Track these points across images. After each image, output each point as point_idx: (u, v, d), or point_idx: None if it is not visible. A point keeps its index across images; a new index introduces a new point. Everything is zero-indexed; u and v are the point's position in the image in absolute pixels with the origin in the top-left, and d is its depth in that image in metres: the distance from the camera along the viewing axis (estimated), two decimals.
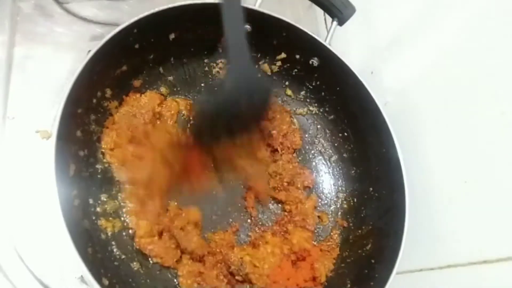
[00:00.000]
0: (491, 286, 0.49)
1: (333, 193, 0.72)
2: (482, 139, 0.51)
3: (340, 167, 0.73)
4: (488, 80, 0.50)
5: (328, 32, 0.66)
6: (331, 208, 0.71)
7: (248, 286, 0.60)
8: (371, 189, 0.67)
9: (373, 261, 0.60)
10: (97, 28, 0.73)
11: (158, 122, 0.66)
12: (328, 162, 0.74)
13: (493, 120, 0.49)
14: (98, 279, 0.46)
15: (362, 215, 0.67)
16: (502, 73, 0.48)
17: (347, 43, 0.78)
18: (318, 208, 0.70)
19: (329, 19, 0.66)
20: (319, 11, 0.67)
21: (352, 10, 0.66)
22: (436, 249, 0.58)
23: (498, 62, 0.48)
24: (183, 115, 0.70)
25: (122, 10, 0.76)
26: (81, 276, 0.55)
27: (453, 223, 0.56)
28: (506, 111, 0.47)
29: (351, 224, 0.68)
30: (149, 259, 0.59)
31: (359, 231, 0.66)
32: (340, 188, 0.72)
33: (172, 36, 0.64)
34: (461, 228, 0.54)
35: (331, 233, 0.68)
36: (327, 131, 0.75)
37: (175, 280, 0.59)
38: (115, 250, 0.57)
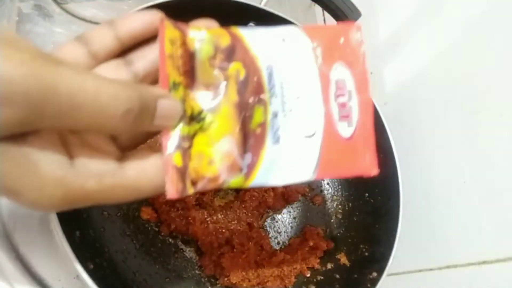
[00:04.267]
0: (490, 287, 0.49)
1: (328, 198, 0.71)
2: (481, 140, 0.51)
3: None
4: (487, 81, 0.50)
5: None
6: None
7: None
8: (366, 194, 0.66)
9: (363, 266, 0.59)
10: None
11: None
12: None
13: (492, 120, 0.49)
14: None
15: (355, 219, 0.66)
16: (501, 74, 0.48)
17: None
18: None
19: (328, 20, 0.65)
20: (318, 13, 0.67)
21: (357, 15, 0.65)
22: (435, 250, 0.58)
23: (497, 63, 0.48)
24: None
25: (121, 11, 0.76)
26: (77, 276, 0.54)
27: (452, 223, 0.55)
28: (505, 112, 0.47)
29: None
30: None
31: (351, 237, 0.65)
32: (335, 193, 0.71)
33: None
34: (460, 229, 0.54)
35: None
36: None
37: None
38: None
